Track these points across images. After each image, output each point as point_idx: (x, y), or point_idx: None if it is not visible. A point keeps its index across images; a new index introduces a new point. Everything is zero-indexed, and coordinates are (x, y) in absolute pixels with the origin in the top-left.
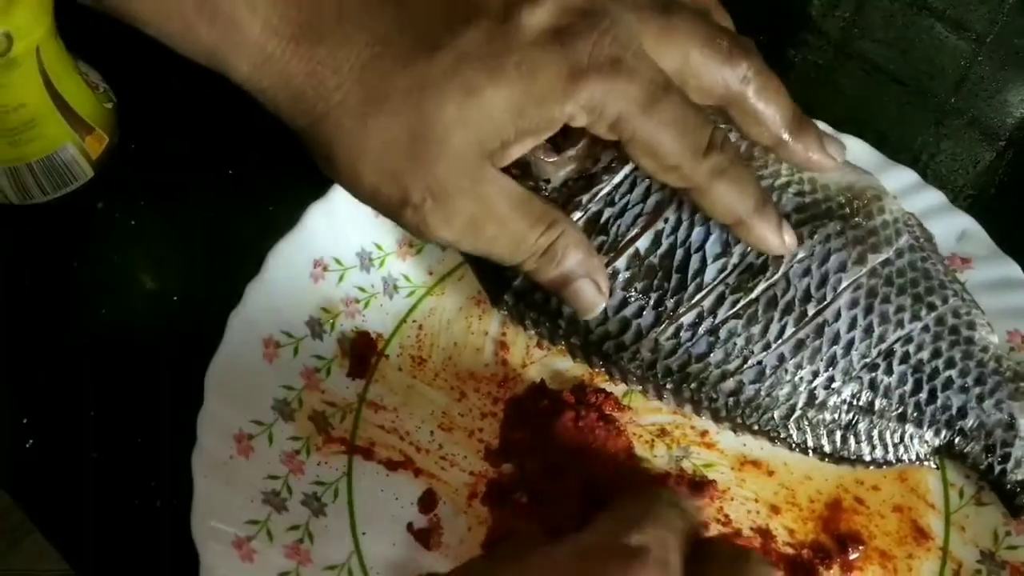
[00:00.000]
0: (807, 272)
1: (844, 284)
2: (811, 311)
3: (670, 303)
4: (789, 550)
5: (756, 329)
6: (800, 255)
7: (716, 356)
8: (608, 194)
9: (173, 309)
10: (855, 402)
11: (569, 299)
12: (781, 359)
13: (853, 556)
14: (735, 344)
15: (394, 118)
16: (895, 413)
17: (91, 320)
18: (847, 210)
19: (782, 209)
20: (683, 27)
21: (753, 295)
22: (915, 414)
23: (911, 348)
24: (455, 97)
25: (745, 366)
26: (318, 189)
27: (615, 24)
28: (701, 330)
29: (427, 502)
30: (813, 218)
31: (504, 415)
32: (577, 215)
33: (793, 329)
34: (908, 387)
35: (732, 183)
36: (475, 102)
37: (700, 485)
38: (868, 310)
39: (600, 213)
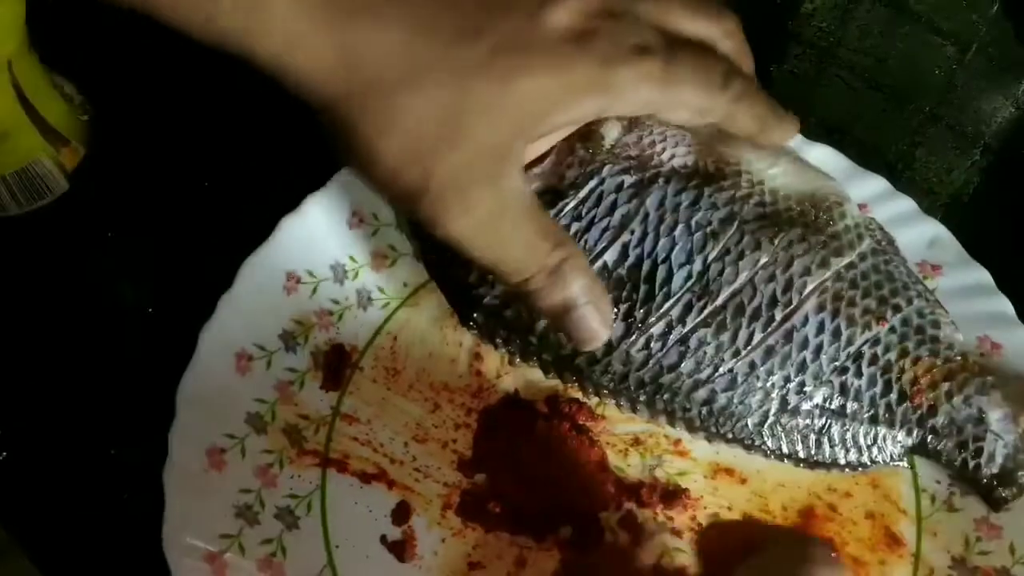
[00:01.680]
0: (772, 278)
1: (809, 288)
2: (778, 316)
3: (639, 314)
4: None
5: (725, 337)
6: (763, 260)
7: (687, 366)
8: (575, 209)
9: (148, 321)
10: (827, 405)
11: (570, 328)
12: (752, 366)
13: None
14: (705, 353)
15: (428, 98)
16: (867, 415)
17: (65, 332)
18: (809, 217)
19: (744, 219)
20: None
21: (719, 301)
22: (886, 415)
23: (879, 350)
24: (493, 83)
25: (716, 374)
26: (294, 201)
27: (635, 16)
28: (671, 340)
29: (401, 514)
30: (774, 225)
31: (477, 426)
32: None
33: (762, 335)
34: (878, 388)
35: (751, 103)
36: (512, 89)
37: (673, 494)
38: (835, 314)
39: (567, 229)
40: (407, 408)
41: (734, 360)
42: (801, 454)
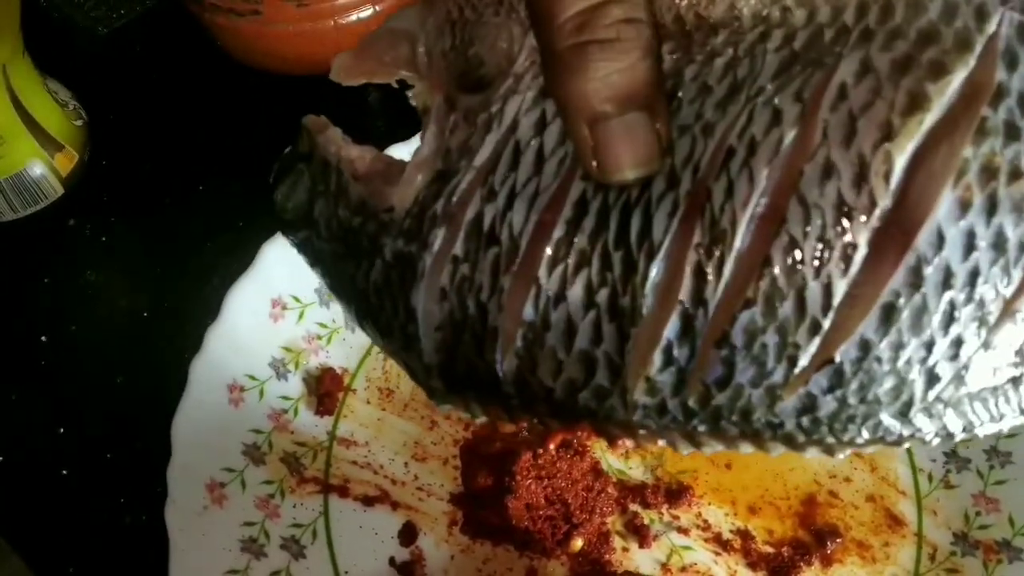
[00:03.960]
0: (829, 171)
1: (902, 164)
2: (864, 239)
3: (626, 302)
4: (769, 549)
5: (787, 311)
6: (789, 138)
7: (744, 373)
8: (477, 184)
9: (144, 325)
10: (1018, 351)
11: (595, 145)
12: (864, 347)
13: (831, 549)
14: (764, 346)
15: None
16: None
17: (62, 337)
18: (870, 17)
19: (758, 85)
20: None
21: (739, 244)
22: None
23: None
24: None
25: (796, 371)
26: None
27: None
28: (700, 342)
29: (407, 535)
30: (810, 64)
31: (461, 464)
32: (440, 235)
33: (850, 286)
34: None
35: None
36: None
37: (677, 492)
38: (991, 206)
39: (480, 217)
40: (404, 427)
41: (817, 341)
42: (980, 422)
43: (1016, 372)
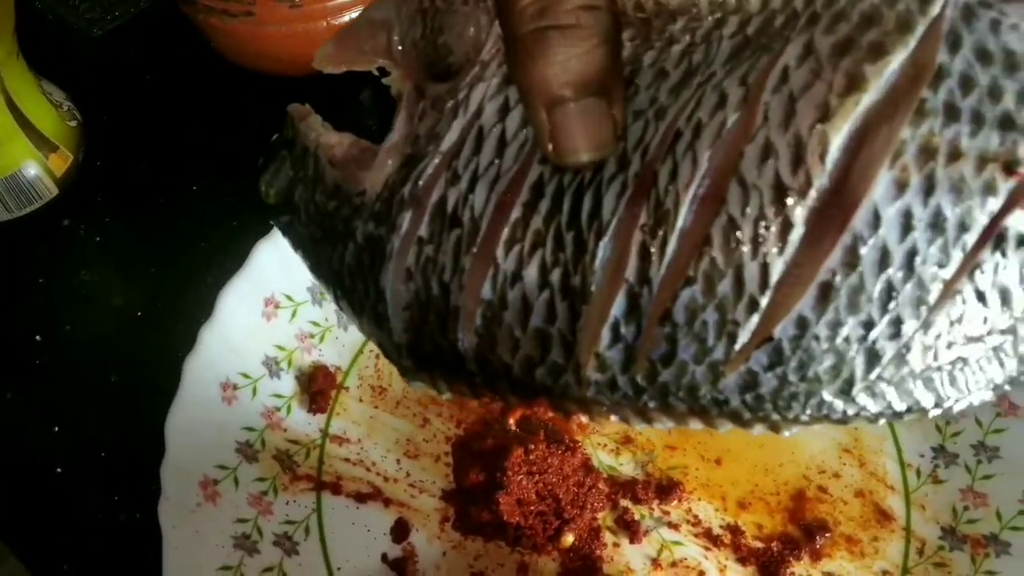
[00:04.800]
0: (768, 152)
1: (838, 143)
2: (801, 218)
3: (577, 281)
4: (759, 544)
5: (726, 288)
6: (732, 120)
7: (687, 349)
8: (442, 168)
9: (138, 324)
10: (956, 330)
11: (550, 127)
12: (802, 325)
13: (821, 544)
14: (705, 324)
15: None
16: None
17: (56, 336)
18: (816, 3)
19: (709, 71)
20: None
21: (681, 224)
22: None
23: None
24: None
25: (736, 347)
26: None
27: None
28: (645, 319)
29: (399, 531)
30: (760, 50)
31: (452, 460)
32: (407, 217)
33: (786, 267)
34: None
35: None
36: None
37: (668, 488)
38: (928, 186)
39: (444, 200)
40: (396, 425)
41: (756, 318)
42: (927, 403)
43: (961, 352)
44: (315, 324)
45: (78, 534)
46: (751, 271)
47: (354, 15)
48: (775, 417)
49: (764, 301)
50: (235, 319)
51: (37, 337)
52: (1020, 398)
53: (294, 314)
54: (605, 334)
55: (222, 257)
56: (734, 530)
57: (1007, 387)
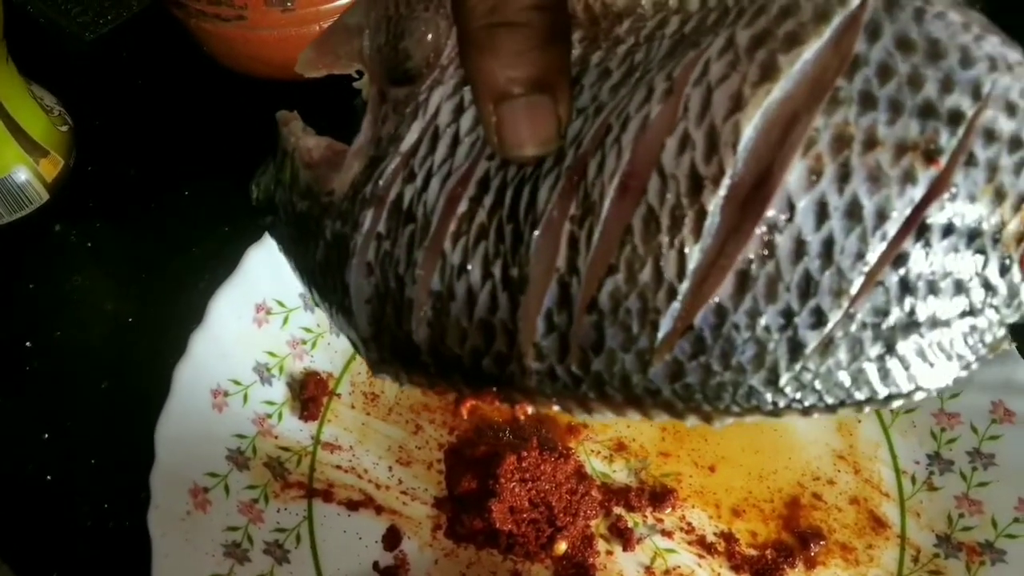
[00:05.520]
0: (685, 142)
1: (749, 132)
2: (719, 213)
3: (515, 272)
4: (753, 552)
5: (646, 276)
6: (655, 111)
7: (614, 338)
8: (401, 167)
9: (129, 330)
10: (879, 322)
11: (496, 122)
12: (720, 313)
13: (815, 551)
14: (629, 312)
15: None
16: (956, 312)
17: (47, 342)
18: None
19: (646, 68)
20: None
21: (605, 213)
22: (987, 297)
23: (955, 206)
24: None
25: (659, 336)
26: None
27: None
28: (575, 306)
29: (391, 539)
30: (692, 45)
31: (445, 468)
32: (368, 215)
33: (703, 255)
34: (966, 263)
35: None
36: None
37: (661, 495)
38: (842, 175)
39: (400, 198)
40: (388, 432)
41: (675, 305)
42: (859, 396)
43: (891, 345)
44: (307, 330)
45: (68, 542)
46: (669, 259)
47: None
48: (706, 407)
49: (682, 289)
50: (226, 325)
51: (27, 343)
52: (1016, 404)
53: (286, 320)
54: (540, 324)
55: (213, 263)
56: (728, 538)
57: (949, 383)
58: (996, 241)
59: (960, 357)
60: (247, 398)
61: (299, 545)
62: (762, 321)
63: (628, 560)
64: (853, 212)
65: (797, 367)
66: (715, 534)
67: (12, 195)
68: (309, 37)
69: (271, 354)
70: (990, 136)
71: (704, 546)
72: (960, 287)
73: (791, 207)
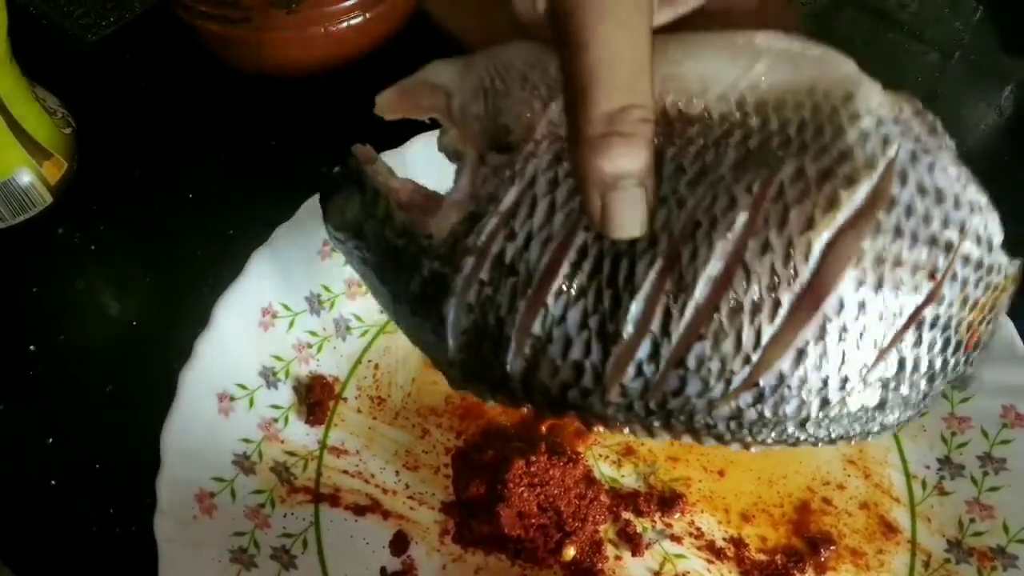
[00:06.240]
0: (766, 247)
1: (819, 245)
2: (788, 301)
3: (611, 328)
4: (763, 557)
5: (727, 347)
6: (740, 221)
7: (693, 387)
8: (501, 226)
9: (133, 334)
10: (882, 385)
11: (604, 206)
12: (780, 379)
13: (825, 556)
14: (710, 370)
15: None
16: (925, 377)
17: (50, 346)
18: (807, 134)
19: (719, 174)
20: None
21: (698, 296)
22: (944, 368)
23: (940, 309)
24: None
25: (730, 389)
26: (280, 211)
27: None
28: (663, 362)
29: (399, 544)
30: (760, 164)
31: (453, 471)
32: (470, 262)
33: (774, 330)
34: (939, 347)
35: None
36: None
37: (670, 500)
38: (878, 284)
39: (503, 253)
40: (395, 436)
41: (747, 369)
42: (853, 433)
43: (880, 399)
44: (313, 334)
45: (73, 547)
46: (747, 335)
47: (352, 21)
48: (748, 439)
49: (755, 358)
50: (232, 329)
51: (31, 347)
52: None
53: (291, 324)
54: (631, 370)
55: (218, 266)
56: (737, 543)
57: (904, 421)
58: (957, 329)
59: (922, 403)
60: (253, 402)
61: (306, 550)
62: (808, 385)
63: (637, 565)
64: (883, 311)
65: (822, 416)
66: (724, 539)
67: (15, 198)
68: (314, 38)
69: (277, 358)
70: (966, 260)
71: (713, 551)
72: (931, 364)
73: (841, 304)
